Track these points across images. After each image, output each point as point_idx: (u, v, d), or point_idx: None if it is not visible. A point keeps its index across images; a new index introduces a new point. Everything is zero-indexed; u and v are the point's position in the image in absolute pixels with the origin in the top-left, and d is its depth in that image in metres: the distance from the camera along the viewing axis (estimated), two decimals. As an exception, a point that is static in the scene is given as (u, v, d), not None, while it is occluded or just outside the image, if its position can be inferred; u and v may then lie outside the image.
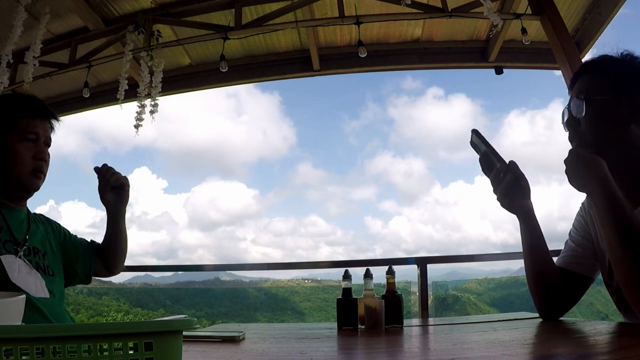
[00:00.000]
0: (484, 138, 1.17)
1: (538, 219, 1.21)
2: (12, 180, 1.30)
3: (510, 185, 1.12)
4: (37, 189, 1.37)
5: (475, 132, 1.19)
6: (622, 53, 1.16)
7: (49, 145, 1.40)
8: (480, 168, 1.17)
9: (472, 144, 1.21)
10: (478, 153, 1.19)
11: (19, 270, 1.24)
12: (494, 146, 1.16)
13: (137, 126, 3.51)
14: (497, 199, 1.17)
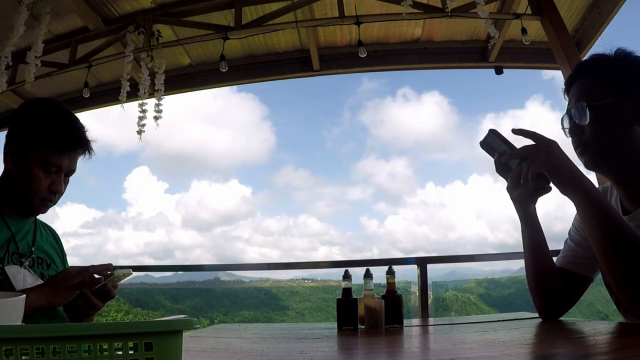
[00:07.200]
0: (505, 138, 1.11)
1: None
2: (22, 198, 1.28)
3: (532, 193, 1.09)
4: (43, 213, 1.34)
5: (493, 132, 1.13)
6: (616, 51, 1.13)
7: (72, 173, 1.33)
8: (495, 168, 1.13)
9: (485, 143, 1.14)
10: (491, 154, 1.13)
11: (24, 280, 1.24)
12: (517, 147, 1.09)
13: (139, 132, 3.51)
14: (511, 198, 1.14)
